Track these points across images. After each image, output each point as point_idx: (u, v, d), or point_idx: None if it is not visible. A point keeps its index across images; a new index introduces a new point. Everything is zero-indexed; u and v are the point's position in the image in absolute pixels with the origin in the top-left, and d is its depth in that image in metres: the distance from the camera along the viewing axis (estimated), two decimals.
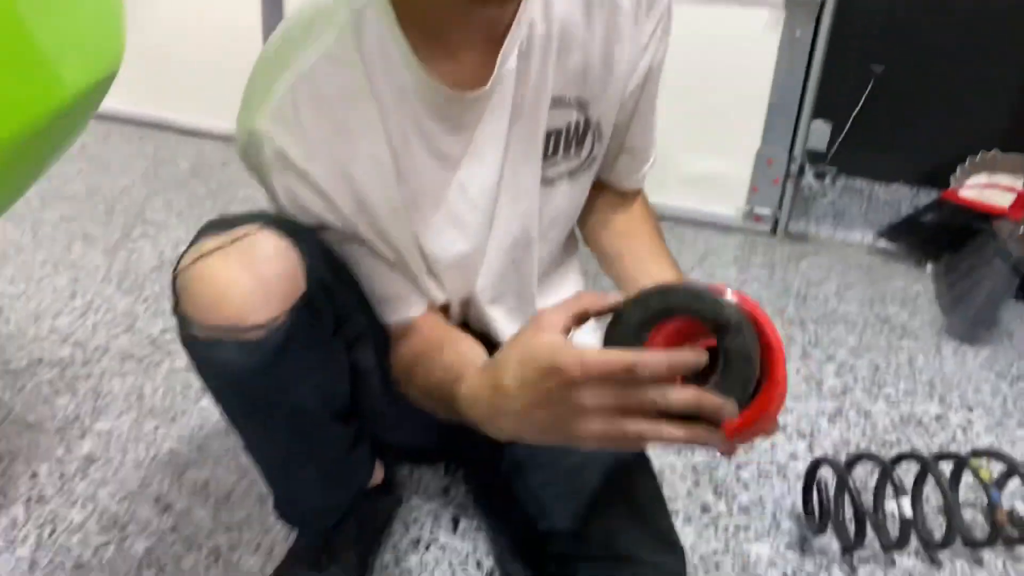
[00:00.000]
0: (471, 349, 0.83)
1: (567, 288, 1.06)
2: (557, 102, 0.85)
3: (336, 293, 0.82)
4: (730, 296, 0.65)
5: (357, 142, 0.78)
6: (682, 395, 0.58)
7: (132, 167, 2.50)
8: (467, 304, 0.95)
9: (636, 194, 1.04)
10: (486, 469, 1.08)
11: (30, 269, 1.82)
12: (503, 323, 0.98)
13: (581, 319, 0.64)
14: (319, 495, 0.96)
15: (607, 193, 1.02)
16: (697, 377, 0.62)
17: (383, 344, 0.92)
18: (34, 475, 1.20)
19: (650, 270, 0.94)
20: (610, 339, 0.63)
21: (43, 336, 1.56)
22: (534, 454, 0.97)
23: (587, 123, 0.88)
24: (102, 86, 0.96)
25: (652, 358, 0.58)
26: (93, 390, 1.41)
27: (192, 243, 0.76)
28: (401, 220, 0.83)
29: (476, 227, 0.87)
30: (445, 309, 0.94)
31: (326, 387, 0.85)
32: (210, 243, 0.75)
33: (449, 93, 0.78)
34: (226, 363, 0.74)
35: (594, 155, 0.92)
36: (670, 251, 0.99)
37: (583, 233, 1.06)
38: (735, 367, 0.61)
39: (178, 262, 0.76)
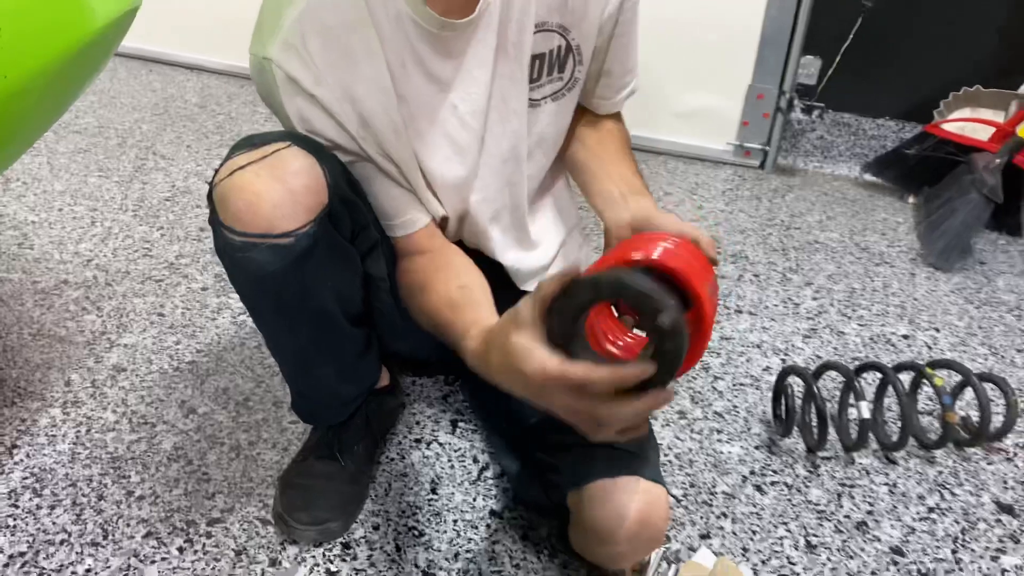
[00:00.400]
0: (473, 290, 0.91)
1: (556, 214, 1.14)
2: (540, 28, 0.93)
3: (353, 207, 0.92)
4: (662, 254, 0.68)
5: (359, 66, 0.87)
6: (626, 411, 0.64)
7: (141, 102, 2.57)
8: (463, 220, 1.04)
9: (613, 119, 1.11)
10: (481, 378, 1.18)
11: (50, 198, 1.91)
12: (498, 241, 1.07)
13: (544, 307, 0.67)
14: (333, 392, 1.07)
15: (587, 116, 1.09)
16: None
17: (392, 257, 1.02)
18: (68, 382, 1.31)
19: (604, 184, 0.99)
20: (554, 312, 0.66)
21: (67, 260, 1.66)
22: None
23: (568, 47, 0.97)
24: (128, 18, 1.04)
25: (599, 376, 0.62)
26: (117, 308, 1.52)
27: (226, 159, 0.85)
28: (401, 138, 0.92)
29: (468, 145, 0.96)
30: (444, 223, 1.04)
31: (344, 291, 0.95)
32: (243, 158, 0.84)
33: (440, 20, 0.87)
34: (259, 266, 0.84)
35: (575, 77, 1.00)
36: (634, 163, 1.04)
37: (563, 156, 1.13)
38: (666, 362, 0.62)
39: (214, 176, 0.85)
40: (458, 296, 0.90)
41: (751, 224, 2.05)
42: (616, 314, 0.77)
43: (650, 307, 0.59)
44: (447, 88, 0.92)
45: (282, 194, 0.82)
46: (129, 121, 2.41)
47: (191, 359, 1.39)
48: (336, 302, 0.94)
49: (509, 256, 1.09)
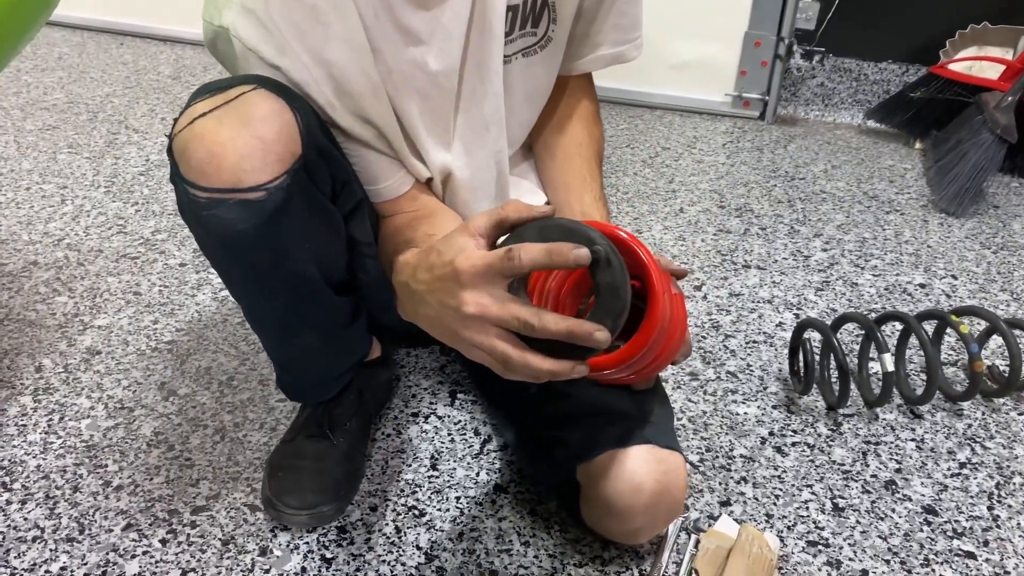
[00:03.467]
0: (444, 222, 0.86)
1: (534, 183, 1.06)
2: None
3: (332, 160, 0.83)
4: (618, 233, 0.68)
5: (329, 25, 0.77)
6: (557, 324, 0.61)
7: (112, 75, 2.46)
8: (447, 184, 0.96)
9: (584, 120, 1.03)
10: None
11: (17, 177, 1.81)
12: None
13: (502, 225, 0.65)
14: (319, 365, 0.98)
15: (555, 117, 1.02)
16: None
17: (377, 221, 0.94)
18: (39, 368, 1.23)
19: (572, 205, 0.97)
20: (511, 238, 0.66)
21: (36, 240, 1.57)
22: None
23: (544, 2, 0.88)
24: None
25: (547, 322, 0.61)
26: (90, 289, 1.43)
27: (186, 107, 0.76)
28: (380, 98, 0.83)
29: (441, 106, 0.88)
30: (428, 183, 0.95)
31: (324, 254, 0.86)
32: (204, 105, 0.74)
33: None
34: (227, 225, 0.74)
35: (548, 36, 0.91)
36: (599, 187, 0.99)
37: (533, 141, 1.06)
38: (605, 299, 0.63)
39: (173, 126, 0.76)
40: (424, 232, 0.84)
41: (754, 176, 1.97)
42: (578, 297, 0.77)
43: (588, 248, 0.60)
44: (419, 42, 0.83)
45: (249, 142, 0.72)
46: (100, 95, 2.30)
47: (170, 338, 1.31)
48: (317, 267, 0.85)
49: None
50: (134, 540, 0.95)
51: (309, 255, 0.83)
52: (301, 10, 0.76)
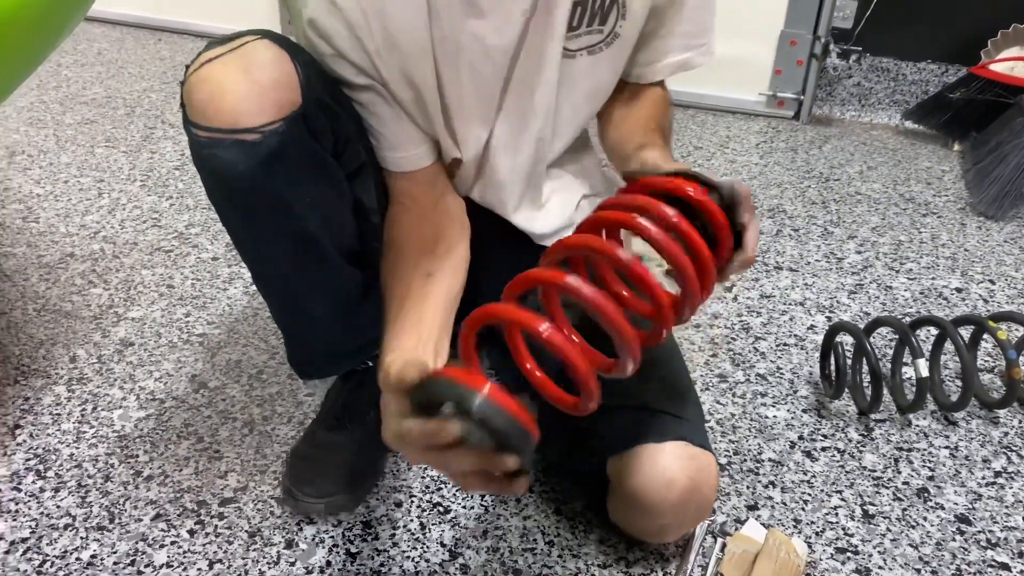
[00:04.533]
0: (433, 289, 0.88)
1: (574, 177, 1.05)
2: None
3: (334, 116, 0.83)
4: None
5: None
6: (462, 465, 0.66)
7: (149, 71, 2.49)
8: (481, 169, 0.95)
9: (653, 92, 1.00)
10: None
11: (56, 170, 1.84)
12: (513, 198, 0.98)
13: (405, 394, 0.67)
14: (327, 339, 0.98)
15: (622, 97, 0.99)
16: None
17: (386, 189, 0.94)
18: (73, 358, 1.25)
19: (623, 145, 0.93)
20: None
21: (73, 232, 1.59)
22: None
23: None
24: None
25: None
26: (124, 281, 1.45)
27: (198, 55, 0.78)
28: (427, 60, 0.84)
29: (490, 81, 0.87)
30: (458, 169, 0.95)
31: (328, 213, 0.86)
32: (211, 52, 0.77)
33: None
34: (225, 164, 0.76)
35: (616, 32, 0.90)
36: (661, 129, 0.94)
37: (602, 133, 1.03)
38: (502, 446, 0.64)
39: (184, 72, 0.79)
40: (417, 288, 0.87)
41: (788, 177, 1.95)
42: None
43: (457, 401, 0.62)
44: (480, 14, 0.83)
45: (247, 86, 0.75)
46: (137, 90, 2.33)
47: (202, 331, 1.32)
48: (321, 225, 0.85)
49: (521, 216, 1.00)
50: (163, 530, 0.97)
51: (311, 211, 0.83)
52: None
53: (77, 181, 1.80)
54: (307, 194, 0.82)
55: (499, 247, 0.97)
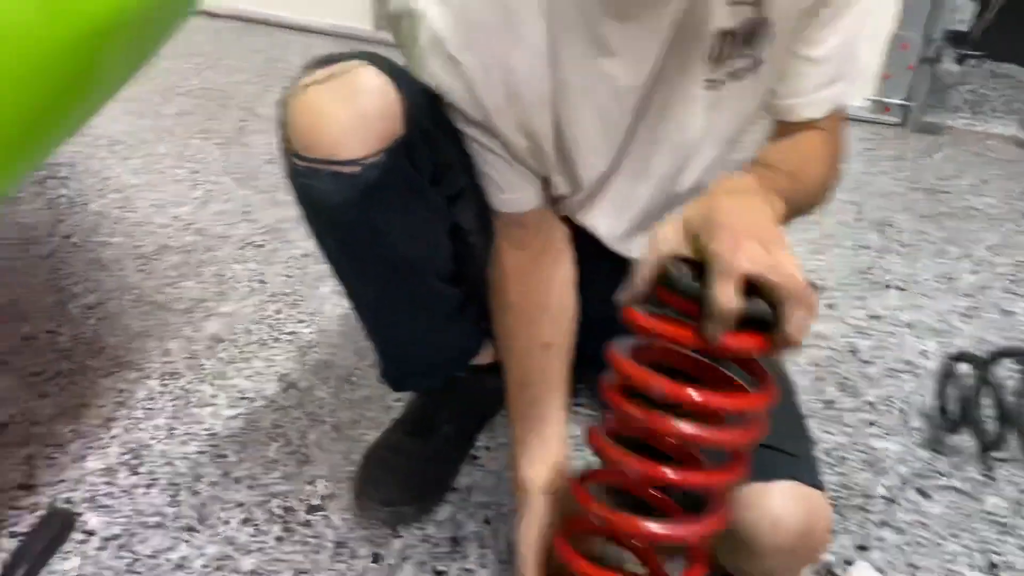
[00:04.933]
0: (553, 359, 0.89)
1: None
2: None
3: (437, 144, 0.80)
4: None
5: (520, 28, 0.73)
6: None
7: (244, 64, 2.52)
8: (595, 197, 0.90)
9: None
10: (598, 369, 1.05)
11: (153, 161, 1.87)
12: (615, 235, 0.92)
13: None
14: (420, 354, 0.96)
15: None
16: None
17: (485, 210, 0.89)
18: (166, 352, 1.26)
19: None
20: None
21: (167, 224, 1.61)
22: None
23: (761, 20, 0.80)
24: None
25: None
26: (216, 275, 1.46)
27: (298, 78, 0.76)
28: (545, 110, 0.79)
29: (616, 123, 0.81)
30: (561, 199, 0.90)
31: (424, 237, 0.84)
32: (314, 76, 0.75)
33: None
34: (321, 196, 0.75)
35: (762, 58, 0.83)
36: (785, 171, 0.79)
37: None
38: None
39: (283, 95, 0.77)
40: (537, 365, 0.88)
41: (895, 188, 1.85)
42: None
43: None
44: (610, 53, 0.77)
45: (351, 116, 0.72)
46: (232, 83, 2.36)
47: (291, 329, 1.32)
48: (415, 250, 0.83)
49: (622, 247, 0.94)
50: (251, 535, 0.96)
51: (406, 238, 0.81)
52: (496, 11, 0.73)
53: (173, 172, 1.82)
54: (404, 222, 0.80)
55: (596, 268, 0.93)
